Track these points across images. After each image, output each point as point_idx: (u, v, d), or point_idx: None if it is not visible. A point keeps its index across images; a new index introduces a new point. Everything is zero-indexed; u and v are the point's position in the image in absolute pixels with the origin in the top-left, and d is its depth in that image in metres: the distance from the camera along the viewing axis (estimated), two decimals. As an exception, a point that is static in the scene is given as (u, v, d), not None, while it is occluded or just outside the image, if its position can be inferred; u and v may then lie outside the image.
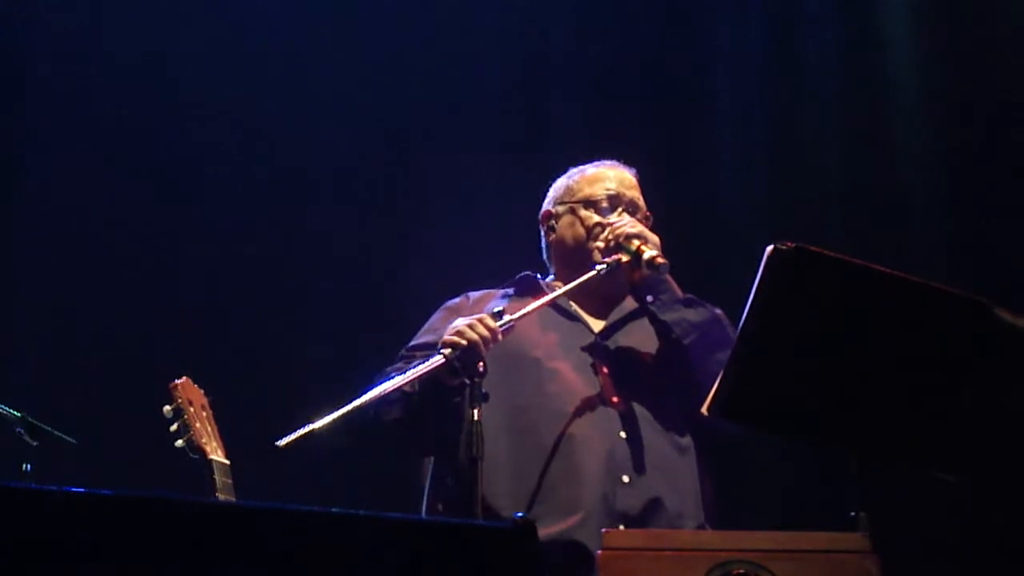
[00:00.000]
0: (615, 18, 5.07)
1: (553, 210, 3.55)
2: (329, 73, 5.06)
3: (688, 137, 4.94)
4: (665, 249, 3.35)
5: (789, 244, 2.57)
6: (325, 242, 4.96)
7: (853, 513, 2.60)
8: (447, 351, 3.10)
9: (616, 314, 3.46)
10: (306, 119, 5.02)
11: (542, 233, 3.59)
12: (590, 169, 3.56)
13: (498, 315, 3.18)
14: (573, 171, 3.58)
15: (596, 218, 3.46)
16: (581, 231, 3.47)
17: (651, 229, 3.43)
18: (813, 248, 2.58)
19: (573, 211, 3.49)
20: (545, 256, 3.59)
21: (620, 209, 3.46)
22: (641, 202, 3.51)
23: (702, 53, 5.04)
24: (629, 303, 3.48)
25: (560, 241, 3.52)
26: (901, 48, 4.81)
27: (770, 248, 2.58)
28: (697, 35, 5.06)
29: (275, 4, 5.13)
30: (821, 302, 2.61)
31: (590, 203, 3.48)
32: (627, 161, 3.61)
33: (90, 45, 4.97)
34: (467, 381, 3.09)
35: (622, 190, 3.50)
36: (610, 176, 3.53)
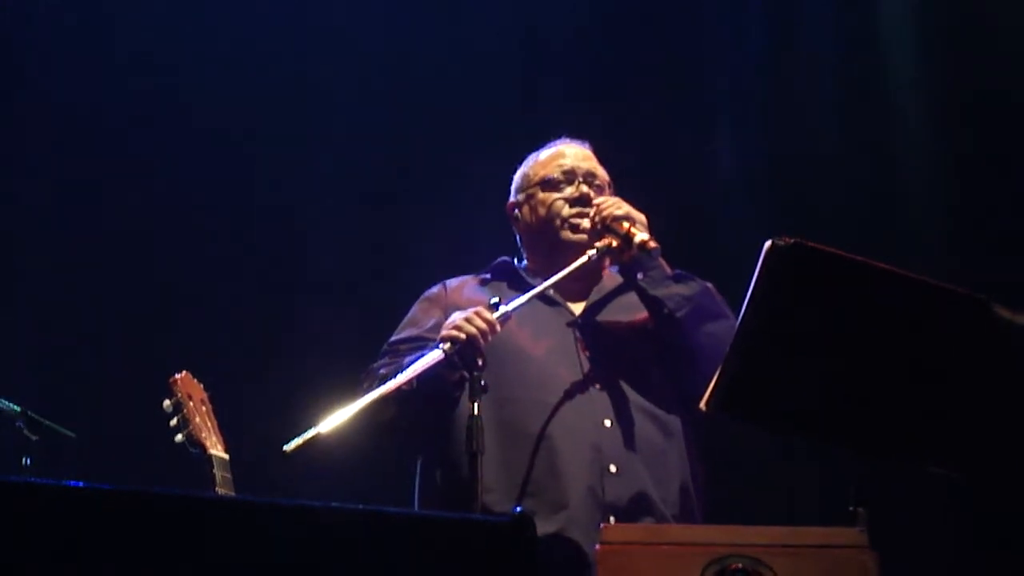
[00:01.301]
0: (614, 14, 5.07)
1: (515, 200, 3.57)
2: (326, 70, 5.06)
3: (686, 134, 4.95)
4: (663, 244, 3.35)
5: (787, 239, 2.57)
6: (326, 237, 4.96)
7: (851, 508, 2.61)
8: (446, 346, 3.10)
9: (596, 294, 3.47)
10: (302, 119, 5.03)
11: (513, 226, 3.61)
12: (543, 153, 3.59)
13: (494, 306, 3.18)
14: (528, 158, 3.61)
15: (554, 195, 3.47)
16: (543, 213, 3.48)
17: (623, 198, 3.43)
18: (811, 244, 2.58)
19: (532, 196, 3.51)
20: (520, 247, 3.60)
21: (578, 182, 3.47)
22: (599, 170, 3.53)
23: (701, 50, 5.05)
24: (608, 282, 3.49)
25: (526, 228, 3.54)
26: (901, 46, 4.82)
27: (768, 243, 2.58)
28: (696, 32, 5.06)
29: (273, 2, 5.13)
30: (819, 298, 2.61)
31: (547, 183, 3.50)
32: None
33: (86, 45, 4.97)
34: (467, 375, 3.09)
35: (576, 163, 3.52)
36: (563, 152, 3.55)
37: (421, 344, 3.30)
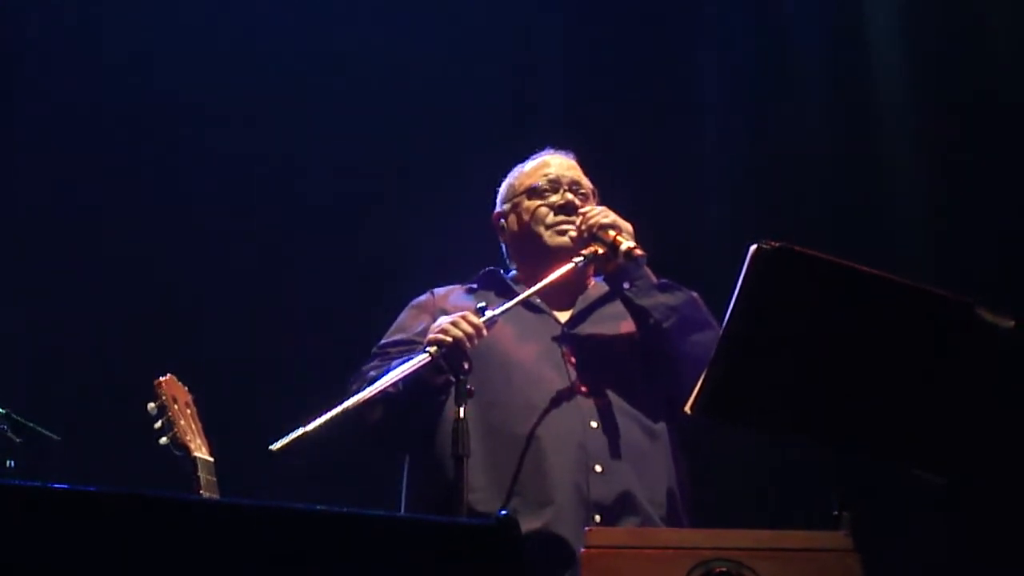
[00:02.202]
0: (605, 19, 5.08)
1: (501, 210, 3.60)
2: (320, 70, 5.06)
3: (676, 138, 4.96)
4: (649, 248, 3.36)
5: (773, 243, 2.58)
6: (314, 240, 4.96)
7: (835, 512, 2.61)
8: (433, 349, 3.11)
9: (582, 303, 3.49)
10: (296, 119, 5.02)
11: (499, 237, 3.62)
12: (528, 164, 3.62)
13: (481, 311, 3.19)
14: (514, 169, 3.63)
15: (539, 203, 3.49)
16: (527, 220, 3.50)
17: (607, 206, 3.44)
18: (797, 247, 2.59)
19: (518, 205, 3.54)
20: (506, 257, 3.62)
21: (563, 190, 3.49)
22: (584, 180, 3.56)
23: (690, 54, 5.06)
24: (594, 291, 3.51)
25: (512, 237, 3.56)
26: (888, 47, 4.83)
27: (754, 247, 2.58)
28: (685, 36, 5.08)
29: (273, 2, 5.12)
30: (805, 301, 2.61)
31: (532, 192, 3.52)
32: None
33: (86, 45, 4.96)
34: (452, 379, 3.10)
35: (561, 172, 3.54)
36: (548, 162, 3.58)
37: (411, 347, 3.32)
